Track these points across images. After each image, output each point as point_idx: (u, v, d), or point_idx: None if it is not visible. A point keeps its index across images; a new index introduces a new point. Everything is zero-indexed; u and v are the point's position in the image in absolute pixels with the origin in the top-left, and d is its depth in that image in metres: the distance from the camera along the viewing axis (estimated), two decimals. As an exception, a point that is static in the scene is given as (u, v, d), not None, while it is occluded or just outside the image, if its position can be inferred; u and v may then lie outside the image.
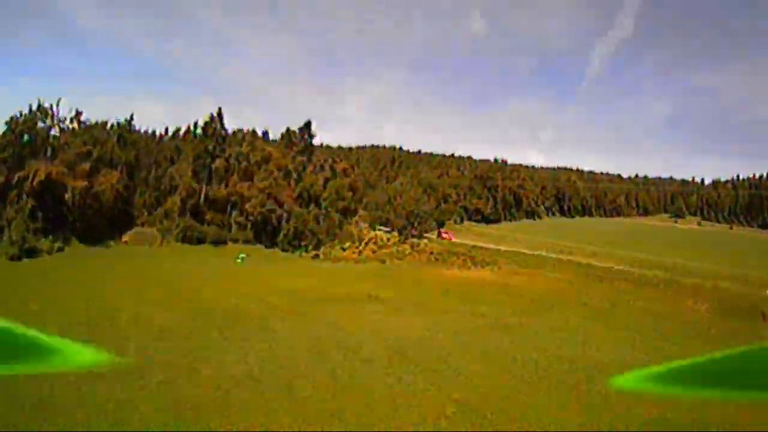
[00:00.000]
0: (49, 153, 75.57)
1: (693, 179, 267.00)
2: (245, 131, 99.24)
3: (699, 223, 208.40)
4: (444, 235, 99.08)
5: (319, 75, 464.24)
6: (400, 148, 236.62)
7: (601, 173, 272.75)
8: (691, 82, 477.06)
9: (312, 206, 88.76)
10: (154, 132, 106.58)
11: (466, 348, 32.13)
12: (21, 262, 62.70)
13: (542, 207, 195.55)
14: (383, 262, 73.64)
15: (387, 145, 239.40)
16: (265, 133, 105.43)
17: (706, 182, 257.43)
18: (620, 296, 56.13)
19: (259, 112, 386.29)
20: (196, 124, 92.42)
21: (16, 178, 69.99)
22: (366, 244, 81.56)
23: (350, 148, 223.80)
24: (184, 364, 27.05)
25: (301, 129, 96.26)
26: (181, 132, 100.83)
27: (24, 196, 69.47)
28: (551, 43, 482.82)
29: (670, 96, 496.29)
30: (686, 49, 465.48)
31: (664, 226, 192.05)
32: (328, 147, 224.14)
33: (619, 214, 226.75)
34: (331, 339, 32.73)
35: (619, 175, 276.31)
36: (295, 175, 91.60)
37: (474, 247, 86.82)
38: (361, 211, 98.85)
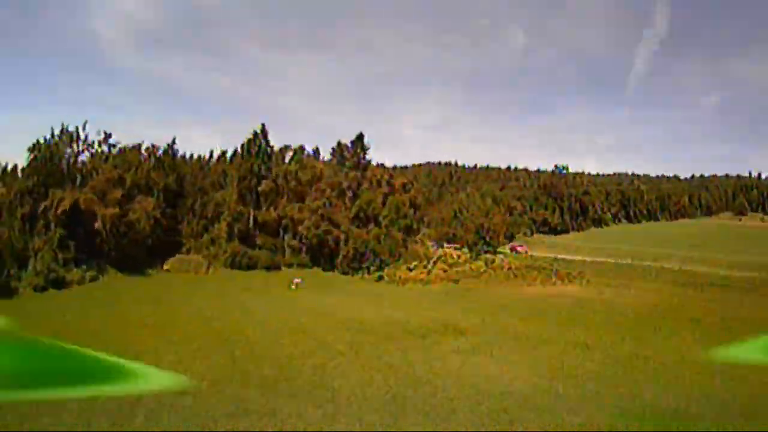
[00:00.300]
0: (78, 180, 71.16)
1: (750, 174, 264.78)
2: (292, 148, 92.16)
3: (762, 219, 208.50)
4: (519, 249, 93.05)
5: (366, 98, 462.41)
6: (456, 164, 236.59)
7: (657, 176, 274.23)
8: (736, 73, 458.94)
9: (371, 225, 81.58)
10: (200, 157, 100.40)
11: (600, 402, 23.54)
12: (46, 292, 58.34)
13: (608, 214, 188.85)
14: (456, 282, 66.04)
15: (443, 161, 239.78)
16: (315, 151, 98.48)
17: (763, 176, 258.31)
18: (736, 308, 47.77)
19: (309, 139, 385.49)
20: (243, 146, 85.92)
21: (42, 207, 65.68)
22: (434, 262, 73.69)
23: (405, 167, 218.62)
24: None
25: (353, 142, 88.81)
26: (228, 155, 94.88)
27: (52, 226, 65.19)
28: (592, 50, 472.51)
29: (716, 89, 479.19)
30: (726, 40, 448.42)
31: (733, 224, 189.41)
32: (382, 165, 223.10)
33: (683, 216, 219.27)
34: (409, 401, 23.55)
35: (676, 176, 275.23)
36: (350, 193, 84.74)
37: (555, 259, 79.55)
38: (424, 229, 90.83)
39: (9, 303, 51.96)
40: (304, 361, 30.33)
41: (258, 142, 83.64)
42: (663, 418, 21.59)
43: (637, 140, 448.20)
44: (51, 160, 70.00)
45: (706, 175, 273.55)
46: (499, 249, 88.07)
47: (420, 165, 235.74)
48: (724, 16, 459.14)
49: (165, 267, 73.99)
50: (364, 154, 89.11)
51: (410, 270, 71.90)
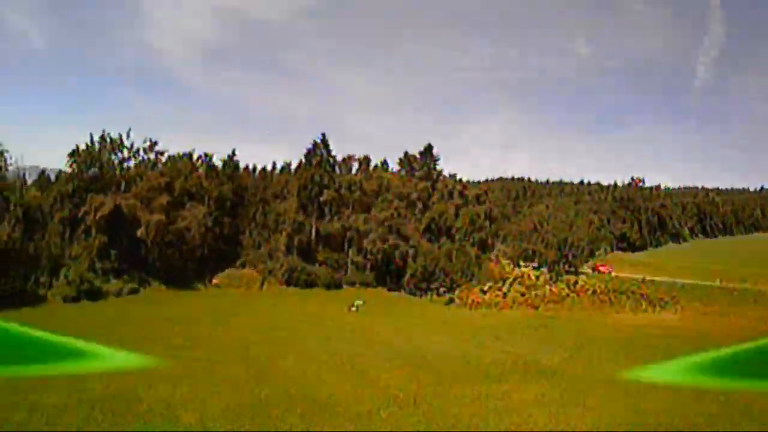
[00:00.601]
0: (123, 186, 70.54)
1: None
2: (357, 157, 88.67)
3: None
4: (602, 268, 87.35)
5: (432, 114, 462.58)
6: (529, 179, 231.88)
7: (726, 189, 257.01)
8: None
9: (444, 239, 78.22)
10: (264, 168, 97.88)
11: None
12: (78, 303, 56.92)
13: (686, 228, 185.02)
14: (536, 308, 60.25)
15: (515, 176, 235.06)
16: (383, 163, 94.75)
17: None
18: None
19: (375, 156, 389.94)
20: (305, 156, 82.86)
21: (81, 212, 65.21)
22: (511, 284, 68.05)
23: (477, 182, 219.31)
24: None
25: (422, 153, 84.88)
26: (292, 166, 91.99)
27: (93, 232, 64.49)
28: (654, 61, 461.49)
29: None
30: None
31: None
32: (453, 177, 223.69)
33: (757, 229, 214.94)
34: None
35: (745, 189, 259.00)
36: (420, 205, 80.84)
37: (643, 281, 73.96)
38: (499, 245, 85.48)
39: (32, 311, 50.01)
40: (346, 407, 24.08)
41: (319, 151, 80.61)
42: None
43: (705, 152, 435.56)
44: (92, 165, 69.45)
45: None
46: (581, 269, 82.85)
47: (490, 180, 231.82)
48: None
49: (214, 281, 72.56)
50: (435, 164, 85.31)
51: (484, 292, 66.66)
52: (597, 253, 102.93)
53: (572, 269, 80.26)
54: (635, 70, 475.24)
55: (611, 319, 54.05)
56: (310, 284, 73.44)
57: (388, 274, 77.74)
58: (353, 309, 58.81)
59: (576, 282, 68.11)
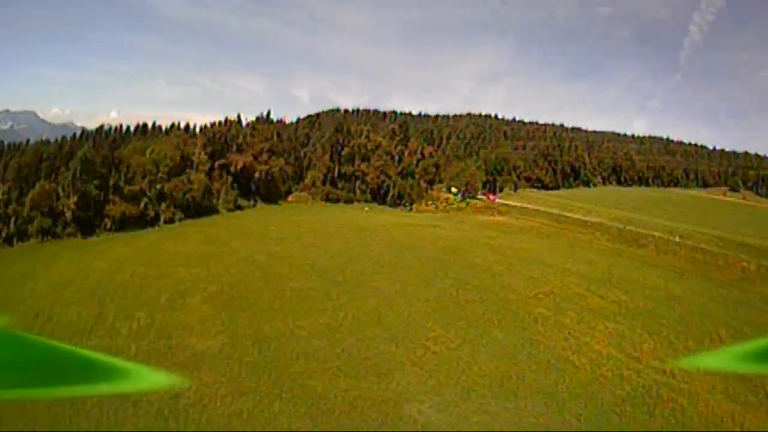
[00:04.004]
0: (235, 148, 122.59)
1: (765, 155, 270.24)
2: (364, 131, 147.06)
3: (744, 197, 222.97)
4: (491, 197, 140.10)
5: (420, 46, 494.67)
6: (495, 116, 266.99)
7: (688, 144, 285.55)
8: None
9: (409, 178, 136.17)
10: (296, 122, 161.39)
11: (470, 239, 79.90)
12: (235, 212, 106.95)
13: (598, 177, 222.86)
14: (448, 212, 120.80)
15: (483, 113, 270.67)
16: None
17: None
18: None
19: (362, 83, 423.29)
20: (318, 115, 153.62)
21: (217, 164, 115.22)
22: (441, 201, 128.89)
23: (447, 116, 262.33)
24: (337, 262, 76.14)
25: (400, 125, 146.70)
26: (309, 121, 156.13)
27: (226, 175, 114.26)
28: (648, 14, 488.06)
29: None
30: None
31: (704, 197, 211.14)
32: (427, 116, 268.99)
33: (676, 185, 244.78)
34: (406, 245, 77.93)
35: (701, 146, 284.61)
36: (397, 158, 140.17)
37: (503, 204, 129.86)
38: (438, 184, 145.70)
39: (212, 218, 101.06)
40: (379, 230, 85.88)
41: (344, 125, 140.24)
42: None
43: (689, 108, 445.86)
44: (222, 136, 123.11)
45: (749, 151, 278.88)
46: (479, 196, 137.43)
47: (462, 115, 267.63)
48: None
49: (289, 199, 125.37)
50: (407, 132, 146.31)
51: (427, 205, 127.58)
52: (505, 188, 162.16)
53: (473, 196, 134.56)
54: (627, 20, 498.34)
55: (475, 217, 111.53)
56: (336, 200, 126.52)
57: (379, 195, 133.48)
58: (366, 210, 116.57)
59: (470, 202, 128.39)
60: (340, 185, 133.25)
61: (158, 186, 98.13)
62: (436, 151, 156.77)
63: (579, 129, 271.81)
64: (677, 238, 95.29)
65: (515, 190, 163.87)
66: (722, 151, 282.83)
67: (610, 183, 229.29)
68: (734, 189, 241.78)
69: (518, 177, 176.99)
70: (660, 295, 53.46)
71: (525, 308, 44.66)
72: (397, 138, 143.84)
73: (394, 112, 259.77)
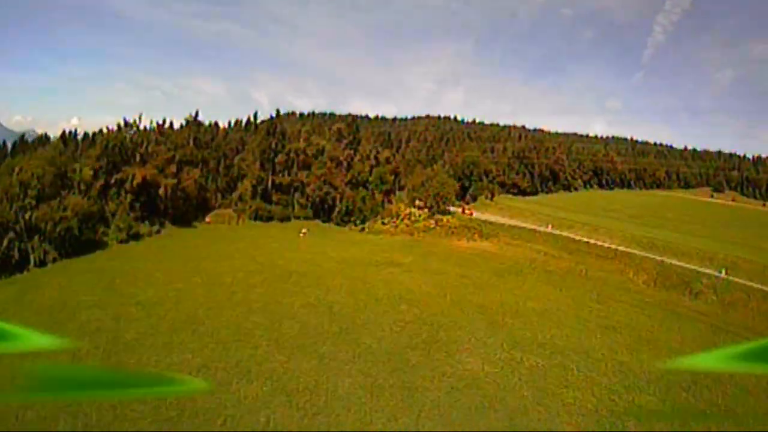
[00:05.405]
0: (138, 158, 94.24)
1: (744, 155, 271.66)
2: (302, 132, 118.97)
3: (733, 199, 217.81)
4: (467, 211, 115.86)
5: (381, 48, 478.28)
6: (456, 119, 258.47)
7: (656, 144, 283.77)
8: (753, 53, 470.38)
9: (360, 189, 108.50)
10: (218, 124, 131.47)
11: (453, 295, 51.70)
12: (129, 244, 78.04)
13: (579, 180, 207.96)
14: (411, 234, 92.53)
15: (443, 115, 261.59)
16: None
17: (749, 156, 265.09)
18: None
19: (321, 87, 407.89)
20: (255, 115, 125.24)
21: (113, 180, 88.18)
22: (402, 219, 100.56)
23: (405, 119, 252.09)
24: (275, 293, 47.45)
25: (349, 125, 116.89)
26: (243, 124, 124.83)
27: (124, 193, 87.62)
28: (612, 14, 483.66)
29: (732, 67, 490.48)
30: (745, 19, 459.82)
31: (687, 198, 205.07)
32: (384, 118, 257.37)
33: (659, 187, 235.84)
34: (360, 290, 51.08)
35: (671, 147, 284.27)
36: (345, 164, 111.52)
37: (484, 222, 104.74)
38: (398, 193, 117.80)
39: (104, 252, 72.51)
40: (310, 275, 57.16)
41: (275, 124, 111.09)
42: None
43: (651, 108, 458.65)
44: (118, 144, 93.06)
45: (711, 149, 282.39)
46: (452, 209, 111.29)
47: (421, 117, 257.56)
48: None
49: (207, 219, 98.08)
50: (357, 134, 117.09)
51: (384, 224, 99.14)
52: (479, 197, 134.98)
53: (445, 210, 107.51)
54: (592, 22, 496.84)
55: (451, 244, 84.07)
56: (269, 219, 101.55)
57: (322, 210, 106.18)
58: (302, 234, 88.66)
59: (441, 220, 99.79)
60: (275, 199, 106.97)
61: (27, 216, 70.81)
62: (394, 155, 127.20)
63: (541, 130, 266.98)
64: (723, 274, 73.79)
65: (492, 198, 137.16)
66: (695, 150, 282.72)
67: (591, 186, 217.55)
68: (718, 190, 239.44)
69: (491, 182, 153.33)
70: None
71: None
72: (345, 141, 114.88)
73: (350, 115, 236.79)
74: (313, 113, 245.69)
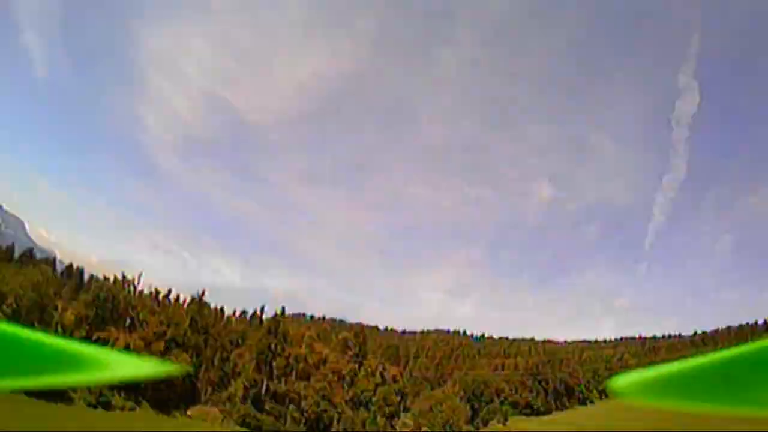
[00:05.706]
0: (127, 322, 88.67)
1: (756, 321, 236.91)
2: (305, 335, 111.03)
3: None
4: None
5: (390, 256, 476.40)
6: (465, 333, 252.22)
7: (664, 337, 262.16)
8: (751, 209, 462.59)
9: (362, 410, 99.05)
10: (223, 310, 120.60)
11: None
12: (97, 411, 71.43)
13: (594, 392, 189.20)
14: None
15: (452, 329, 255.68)
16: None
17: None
18: None
19: (332, 286, 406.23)
20: (262, 309, 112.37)
21: (95, 336, 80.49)
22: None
23: (414, 332, 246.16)
24: None
25: (356, 335, 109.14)
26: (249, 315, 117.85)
27: None
28: (614, 203, 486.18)
29: (731, 231, 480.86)
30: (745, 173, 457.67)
31: None
32: (393, 330, 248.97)
33: None
34: None
35: (680, 336, 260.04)
36: (348, 379, 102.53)
37: None
38: (403, 416, 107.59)
39: None
40: None
41: (277, 324, 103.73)
42: None
43: (658, 299, 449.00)
44: (109, 301, 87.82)
45: (721, 327, 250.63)
46: None
47: (429, 332, 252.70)
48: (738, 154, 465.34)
49: (189, 412, 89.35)
50: (364, 346, 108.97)
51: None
52: (491, 422, 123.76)
53: None
54: (595, 215, 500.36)
55: None
56: (257, 428, 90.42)
57: (317, 429, 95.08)
58: None
59: None
60: (267, 407, 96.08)
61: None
62: (401, 373, 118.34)
63: (550, 341, 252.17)
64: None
65: (505, 422, 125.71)
66: (704, 333, 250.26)
67: (606, 396, 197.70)
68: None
69: (503, 403, 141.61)
70: None
71: None
72: (351, 352, 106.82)
73: (359, 324, 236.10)
74: (323, 317, 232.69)
